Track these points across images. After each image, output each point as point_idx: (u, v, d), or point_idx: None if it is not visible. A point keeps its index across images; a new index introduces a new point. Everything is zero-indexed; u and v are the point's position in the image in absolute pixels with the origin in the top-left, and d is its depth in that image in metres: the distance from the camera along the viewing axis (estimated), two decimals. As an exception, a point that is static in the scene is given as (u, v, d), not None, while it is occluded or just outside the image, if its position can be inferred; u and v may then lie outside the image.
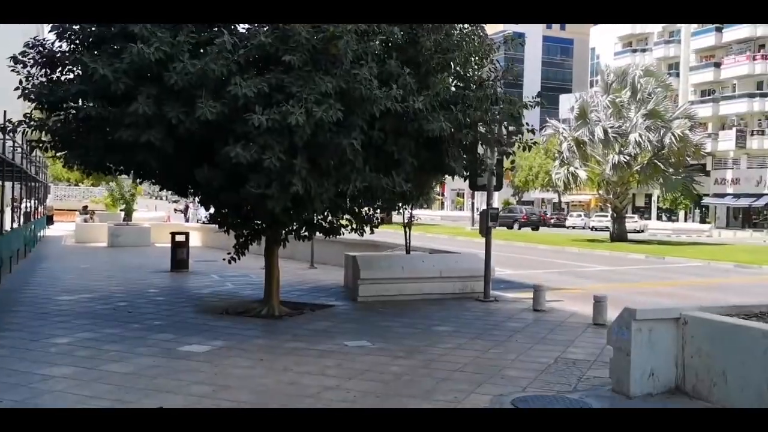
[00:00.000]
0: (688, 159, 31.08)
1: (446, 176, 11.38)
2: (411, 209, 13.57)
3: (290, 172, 8.64)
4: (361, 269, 12.49)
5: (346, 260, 13.95)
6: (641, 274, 18.77)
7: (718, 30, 56.92)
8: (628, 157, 29.99)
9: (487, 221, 12.94)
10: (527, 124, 11.06)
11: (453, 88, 10.26)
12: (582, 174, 31.72)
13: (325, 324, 10.29)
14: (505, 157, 12.17)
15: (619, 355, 6.60)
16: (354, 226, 11.63)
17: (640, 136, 29.11)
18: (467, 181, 11.95)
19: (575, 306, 12.41)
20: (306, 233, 11.30)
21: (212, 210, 11.47)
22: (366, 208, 11.72)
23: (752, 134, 54.99)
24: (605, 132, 29.72)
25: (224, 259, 11.52)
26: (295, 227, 11.10)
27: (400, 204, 12.42)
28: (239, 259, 11.44)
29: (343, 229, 11.71)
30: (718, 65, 57.16)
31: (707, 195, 49.98)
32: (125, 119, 8.60)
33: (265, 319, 10.65)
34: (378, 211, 11.79)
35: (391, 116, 9.23)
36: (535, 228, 51.11)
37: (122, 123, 8.68)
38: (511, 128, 11.00)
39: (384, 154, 9.80)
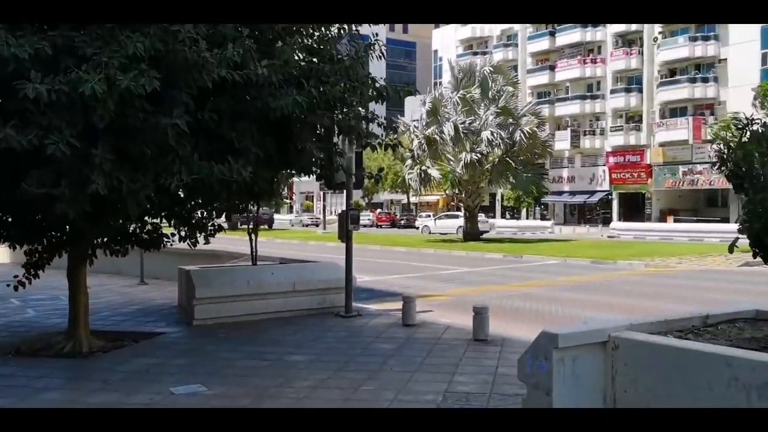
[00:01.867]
0: (536, 156, 31.35)
1: (298, 174, 9.50)
2: (257, 210, 11.48)
3: (87, 164, 6.35)
4: (196, 287, 10.25)
5: (179, 275, 11.57)
6: (504, 275, 17.94)
7: (552, 34, 59.63)
8: (479, 155, 29.67)
9: (347, 224, 11.17)
10: (383, 120, 9.40)
11: (303, 63, 8.37)
12: (434, 173, 31.06)
13: (148, 361, 7.99)
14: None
15: (535, 395, 5.04)
16: (183, 234, 9.37)
17: (492, 133, 28.87)
18: (321, 180, 10.04)
19: (448, 316, 11.00)
20: (118, 247, 8.87)
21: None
22: (200, 211, 9.51)
23: (585, 134, 57.98)
24: (456, 129, 29.18)
25: (9, 285, 8.76)
26: (103, 239, 8.66)
27: (249, 204, 10.38)
28: (30, 283, 8.78)
29: (169, 239, 9.42)
30: (552, 68, 59.80)
31: (546, 193, 51.96)
32: None
33: (69, 359, 8.18)
34: (215, 213, 9.55)
35: (227, 91, 7.20)
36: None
37: None
38: (378, 117, 9.28)
39: (219, 142, 7.72)
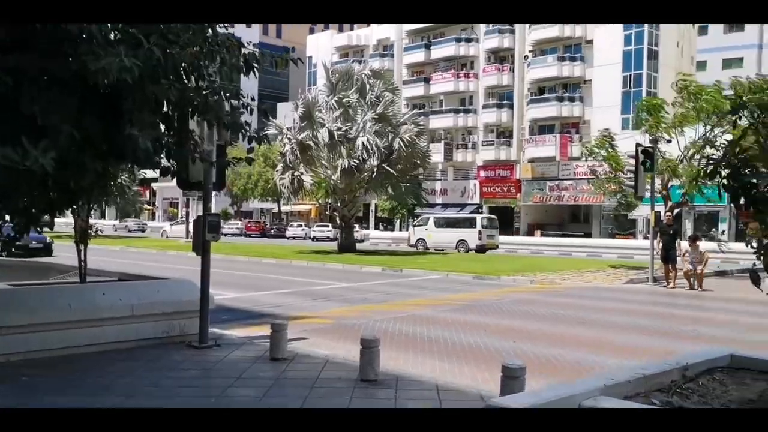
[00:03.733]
0: (415, 166, 30.22)
1: (134, 166, 7.27)
2: (87, 213, 9.09)
3: None
4: (-6, 312, 7.73)
5: (-22, 296, 8.89)
6: (385, 291, 16.34)
7: (427, 47, 59.79)
8: (356, 162, 28.07)
9: (204, 233, 9.01)
10: (249, 102, 7.43)
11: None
12: (308, 179, 29.15)
13: None
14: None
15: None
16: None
17: (368, 140, 27.37)
18: (168, 176, 7.77)
19: (326, 346, 9.16)
20: None
21: None
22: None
23: (457, 147, 58.37)
24: (331, 135, 27.43)
25: None
26: None
27: (68, 203, 8.03)
28: None
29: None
30: (427, 80, 59.86)
31: (426, 204, 51.57)
32: None
33: None
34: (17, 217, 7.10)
35: (30, 46, 5.01)
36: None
37: None
38: (244, 96, 7.28)
39: (15, 118, 5.49)
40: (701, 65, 56.08)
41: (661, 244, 17.85)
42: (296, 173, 29.15)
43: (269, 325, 8.57)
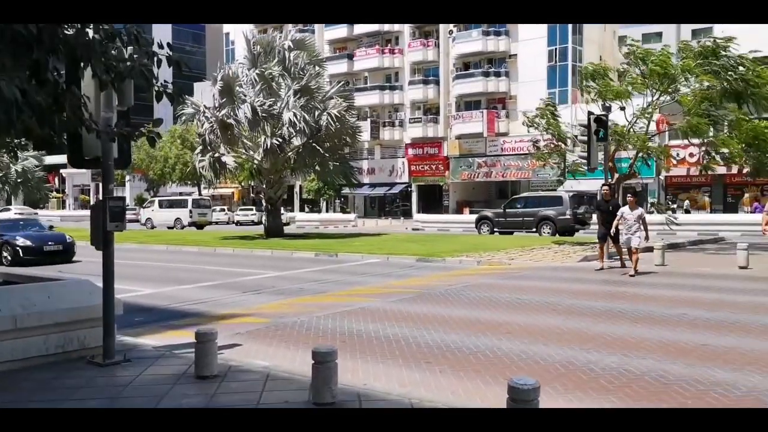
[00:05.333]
0: (344, 143, 28.51)
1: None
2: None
3: None
4: None
5: None
6: (322, 280, 14.76)
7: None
8: (281, 140, 26.11)
9: (105, 223, 7.16)
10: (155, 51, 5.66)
11: None
12: (229, 160, 26.99)
13: None
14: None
15: None
16: None
17: (295, 115, 25.46)
18: (45, 150, 5.93)
19: (264, 353, 7.57)
20: None
21: None
22: None
23: (384, 125, 57.00)
24: (254, 111, 25.35)
25: None
26: None
27: None
28: None
29: None
30: (351, 57, 58.06)
31: (356, 183, 50.08)
32: None
33: None
34: None
35: None
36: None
37: None
38: (145, 37, 5.48)
39: None
40: (622, 39, 56.63)
41: (599, 222, 15.81)
42: (217, 154, 26.92)
43: (194, 328, 6.92)
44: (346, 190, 54.29)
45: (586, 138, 16.19)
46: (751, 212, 37.39)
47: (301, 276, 15.52)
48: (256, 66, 27.34)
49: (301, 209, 59.33)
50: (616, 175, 18.56)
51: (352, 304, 10.97)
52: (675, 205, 42.11)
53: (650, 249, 15.72)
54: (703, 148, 19.99)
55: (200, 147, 27.83)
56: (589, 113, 16.69)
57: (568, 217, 26.79)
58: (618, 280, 13.71)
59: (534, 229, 27.87)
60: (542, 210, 28.04)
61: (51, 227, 22.75)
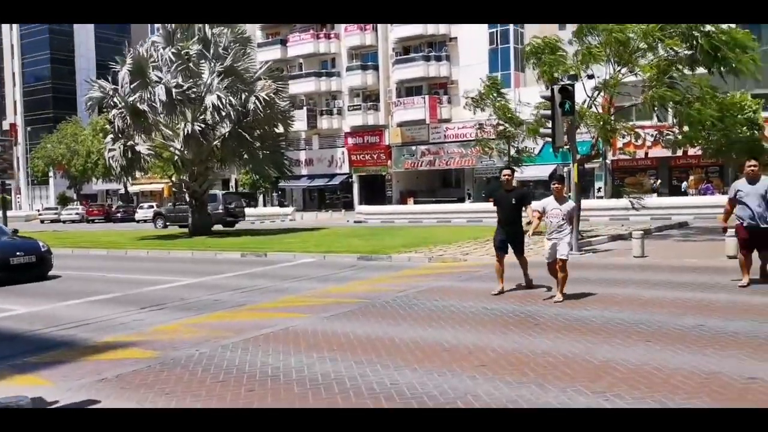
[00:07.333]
0: (275, 130, 25.77)
1: None
2: None
3: None
4: None
5: None
6: (245, 287, 12.22)
7: (283, 5, 54.82)
8: (203, 126, 23.21)
9: None
10: None
11: None
12: (144, 150, 23.94)
13: None
14: None
15: None
16: None
17: (219, 98, 22.62)
18: None
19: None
20: None
21: None
22: None
23: (322, 114, 54.38)
24: (169, 93, 22.38)
25: None
26: None
27: None
28: None
29: None
30: (284, 42, 55.20)
31: (290, 174, 47.23)
32: None
33: None
34: None
35: None
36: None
37: None
38: None
39: None
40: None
41: (498, 223, 10.26)
42: (130, 143, 23.83)
43: (53, 369, 4.46)
44: (283, 183, 51.48)
45: (549, 112, 14.08)
46: (699, 194, 36.53)
47: (221, 283, 12.92)
48: (172, 44, 24.31)
49: (237, 204, 56.17)
50: (578, 156, 16.50)
51: (275, 322, 8.48)
52: (658, 182, 40.92)
53: (624, 237, 13.71)
54: (668, 128, 18.28)
55: (111, 135, 24.62)
56: (552, 83, 14.62)
57: (221, 212, 32.08)
58: (611, 277, 11.59)
59: None
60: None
61: (15, 231, 16.66)
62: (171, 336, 8.16)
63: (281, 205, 54.30)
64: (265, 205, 54.97)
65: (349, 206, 49.04)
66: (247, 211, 48.39)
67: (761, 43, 21.05)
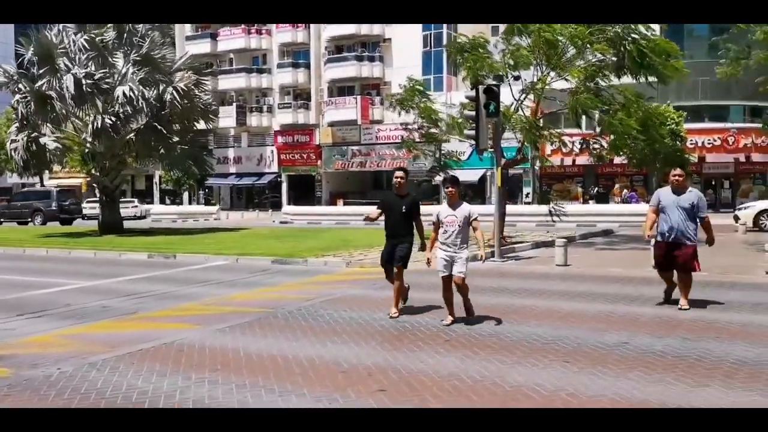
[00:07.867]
0: (196, 125, 24.51)
1: None
2: None
3: None
4: None
5: None
6: (142, 292, 11.18)
7: (212, -2, 53.15)
8: (114, 119, 21.77)
9: None
10: None
11: None
12: (50, 142, 22.30)
13: None
14: None
15: None
16: None
17: (131, 89, 21.27)
18: None
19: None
20: None
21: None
22: None
23: (251, 111, 52.99)
24: (78, 83, 20.89)
25: None
26: None
27: None
28: None
29: None
30: (214, 36, 53.53)
31: (210, 171, 45.60)
32: None
33: None
34: None
35: None
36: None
37: None
38: None
39: None
40: (495, 28, 55.81)
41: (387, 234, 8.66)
42: (34, 134, 22.16)
43: None
44: (210, 181, 49.81)
45: (473, 113, 13.59)
46: (622, 202, 37.20)
47: (116, 287, 11.83)
48: (84, 30, 22.77)
49: (162, 201, 54.10)
50: (504, 160, 16.12)
51: (161, 335, 7.57)
52: (596, 189, 41.54)
53: (548, 244, 13.31)
54: (593, 137, 18.14)
55: (16, 125, 22.86)
56: (477, 84, 14.16)
57: (55, 209, 33.15)
58: (547, 288, 11.10)
59: (29, 219, 34.76)
60: (35, 203, 34.86)
61: None
62: (37, 350, 7.14)
63: (207, 203, 52.57)
64: (190, 203, 53.13)
65: (277, 206, 47.83)
66: (170, 209, 46.65)
67: (685, 53, 21.31)
